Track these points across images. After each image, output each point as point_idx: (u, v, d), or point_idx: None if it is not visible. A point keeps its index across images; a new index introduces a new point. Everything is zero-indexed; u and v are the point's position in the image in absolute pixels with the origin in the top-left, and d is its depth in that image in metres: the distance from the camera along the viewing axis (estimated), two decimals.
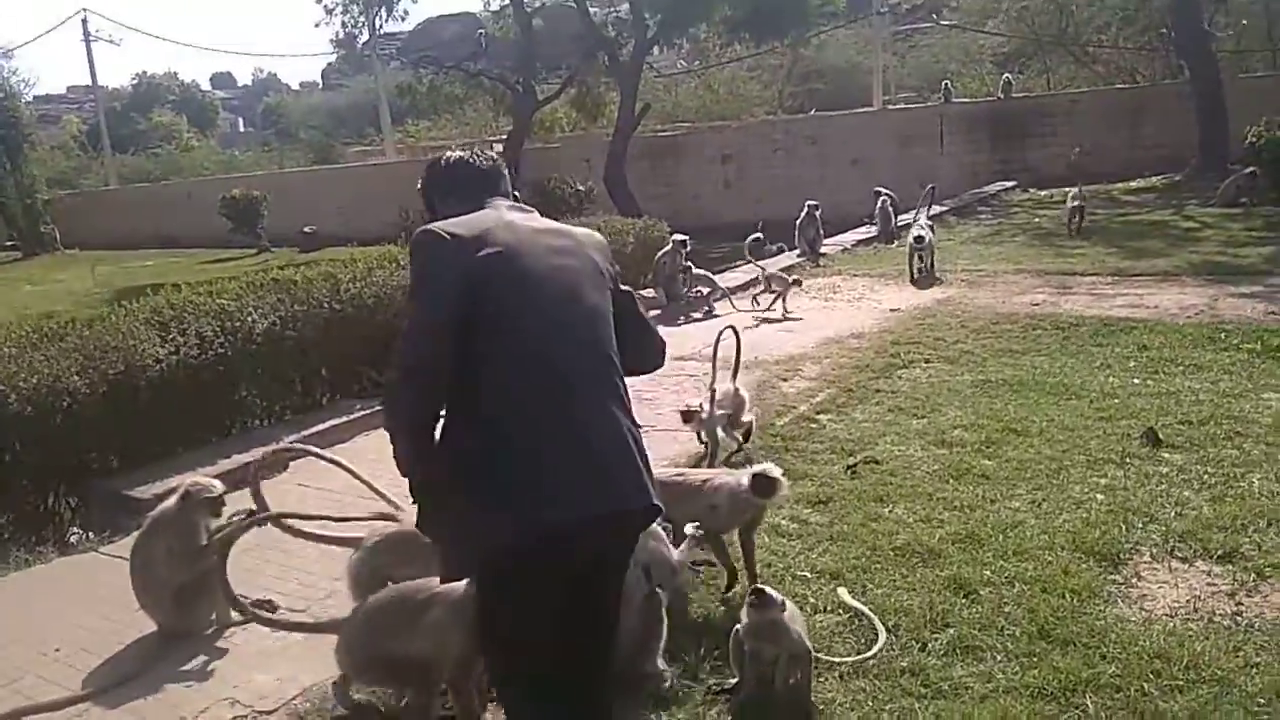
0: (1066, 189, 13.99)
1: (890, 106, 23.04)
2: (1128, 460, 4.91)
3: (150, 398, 5.46)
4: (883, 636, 3.44)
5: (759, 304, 9.23)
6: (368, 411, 6.43)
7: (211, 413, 5.92)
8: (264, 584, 4.22)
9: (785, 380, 6.78)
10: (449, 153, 2.56)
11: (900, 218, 12.98)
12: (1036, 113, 19.52)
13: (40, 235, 29.16)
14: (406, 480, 2.30)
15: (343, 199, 25.96)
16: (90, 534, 5.02)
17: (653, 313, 8.91)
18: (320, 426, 6.16)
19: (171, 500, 3.91)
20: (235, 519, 3.85)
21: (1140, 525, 4.20)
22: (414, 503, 2.30)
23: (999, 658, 3.31)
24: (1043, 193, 16.68)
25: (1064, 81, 25.41)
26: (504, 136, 25.38)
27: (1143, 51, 24.25)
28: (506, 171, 2.54)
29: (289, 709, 3.27)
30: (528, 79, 23.03)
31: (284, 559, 4.49)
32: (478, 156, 2.52)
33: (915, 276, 9.83)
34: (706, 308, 9.26)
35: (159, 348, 5.55)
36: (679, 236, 9.46)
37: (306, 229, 24.19)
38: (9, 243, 29.82)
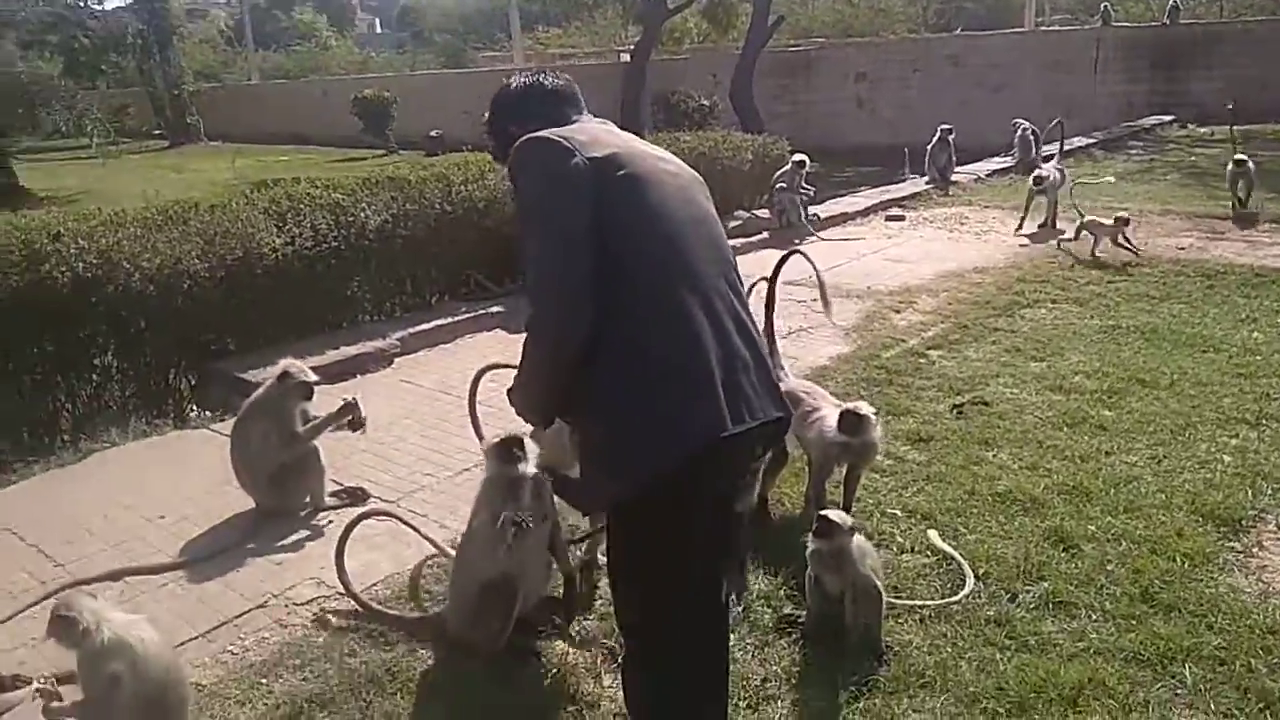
0: (1229, 127, 12.89)
1: (1042, 28, 21.52)
2: (1264, 421, 4.54)
3: (266, 285, 5.62)
4: (970, 583, 3.30)
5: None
6: (473, 314, 6.51)
7: (323, 305, 6.07)
8: (357, 473, 4.34)
9: (897, 312, 6.51)
10: (515, 78, 2.39)
11: (1044, 149, 12.22)
12: (1205, 41, 17.91)
13: (186, 125, 30.38)
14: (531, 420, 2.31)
15: (469, 104, 26.02)
16: (207, 412, 5.25)
17: (762, 235, 8.70)
18: (426, 325, 6.26)
19: (268, 382, 4.03)
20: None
21: (1270, 491, 3.88)
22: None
23: (1094, 617, 3.13)
24: (1203, 129, 15.45)
25: (1239, 9, 23.26)
26: (631, 46, 24.94)
27: None
28: (580, 92, 2.38)
29: (369, 593, 3.36)
30: None
31: (380, 449, 4.60)
32: (549, 77, 2.36)
33: (1020, 226, 8.69)
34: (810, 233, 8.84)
35: (275, 237, 5.69)
36: (799, 156, 9.10)
37: (433, 133, 24.42)
38: (156, 131, 31.19)
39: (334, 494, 4.13)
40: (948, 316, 6.34)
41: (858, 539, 3.03)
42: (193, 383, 5.55)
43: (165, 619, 3.15)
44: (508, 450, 3.10)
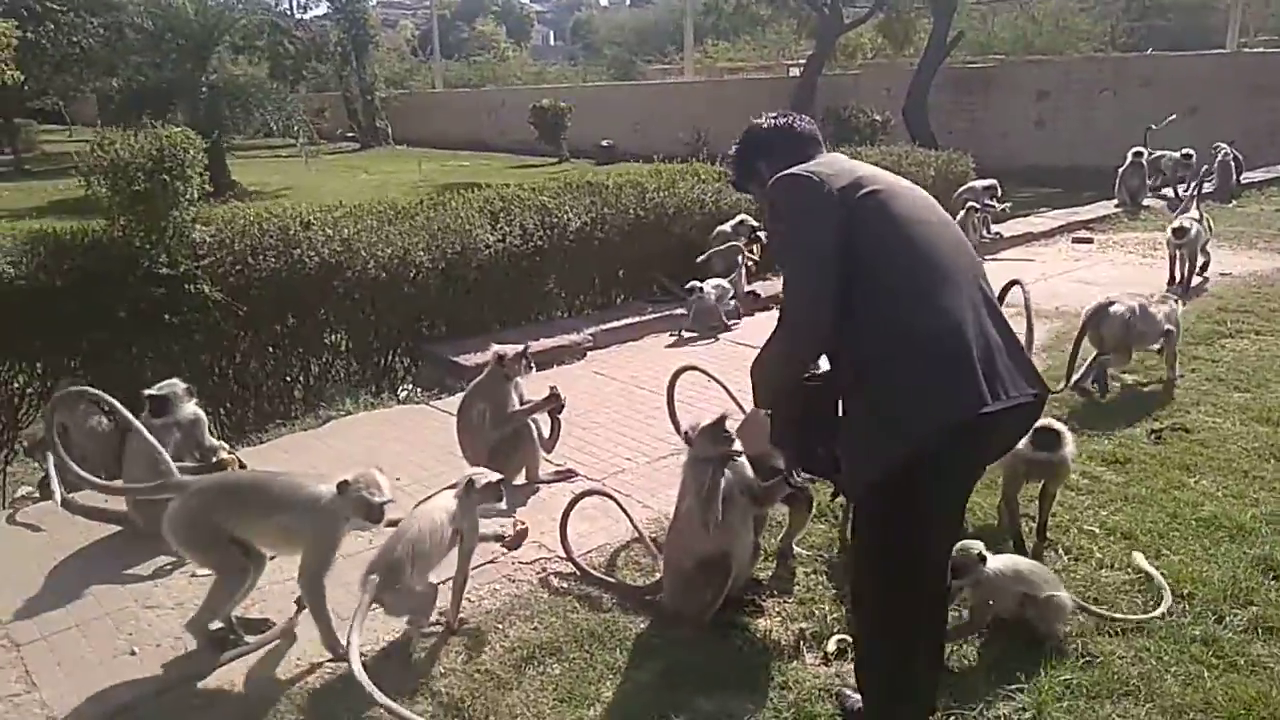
0: None
1: (1245, 49, 20.28)
2: None
3: (478, 278, 6.09)
4: (1168, 599, 3.31)
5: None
6: (658, 315, 6.82)
7: (525, 299, 6.51)
8: (565, 454, 4.67)
9: None
10: (767, 118, 2.65)
11: (1245, 175, 11.65)
12: None
13: (376, 129, 32.40)
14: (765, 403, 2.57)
15: (639, 115, 26.72)
16: (420, 389, 5.73)
17: None
18: (616, 324, 6.60)
19: (489, 367, 4.42)
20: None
21: None
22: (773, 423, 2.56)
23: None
24: None
25: None
26: (803, 61, 25.03)
27: None
28: (820, 133, 2.64)
29: (585, 559, 3.67)
30: (835, 1, 22.45)
31: (582, 434, 4.93)
32: (796, 121, 2.63)
33: (1173, 279, 7.42)
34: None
35: (489, 234, 6.15)
36: (989, 181, 9.07)
37: (604, 142, 25.22)
38: (349, 134, 33.33)
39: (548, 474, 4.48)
40: None
41: (1003, 565, 3.16)
42: (411, 363, 6.07)
43: None
44: (716, 432, 3.33)
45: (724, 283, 6.74)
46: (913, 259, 2.29)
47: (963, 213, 8.75)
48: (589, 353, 6.31)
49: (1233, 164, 11.54)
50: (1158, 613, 3.27)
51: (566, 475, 4.46)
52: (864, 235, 2.28)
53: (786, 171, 2.40)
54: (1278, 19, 27.81)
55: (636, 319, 6.71)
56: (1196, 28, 29.73)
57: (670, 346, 6.46)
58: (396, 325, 5.91)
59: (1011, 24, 30.22)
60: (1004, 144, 20.34)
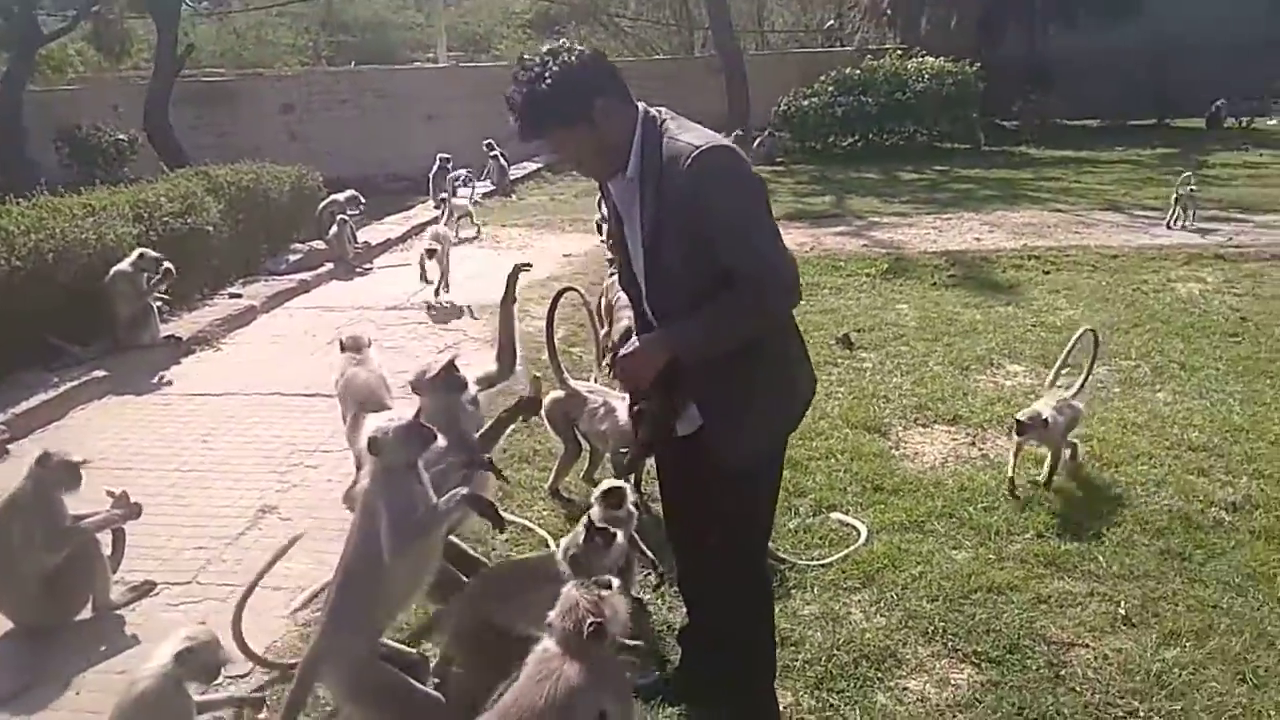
0: None
1: (461, 64, 23.37)
2: (839, 360, 6.11)
3: None
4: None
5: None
6: (77, 382, 5.58)
7: None
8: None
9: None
10: (566, 51, 2.29)
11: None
12: None
13: None
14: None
15: None
16: None
17: (328, 266, 8.62)
18: (29, 404, 5.21)
19: (26, 470, 3.33)
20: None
21: (880, 405, 5.35)
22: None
23: (857, 509, 4.17)
24: None
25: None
26: None
27: (658, 25, 27.62)
28: None
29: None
30: (26, 6, 19.47)
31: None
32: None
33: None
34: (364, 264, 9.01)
35: None
36: (350, 192, 9.18)
37: None
38: None
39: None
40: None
41: None
42: None
43: None
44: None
45: None
46: None
47: (335, 227, 8.77)
48: (8, 445, 4.90)
49: (505, 162, 13.38)
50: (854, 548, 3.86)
51: (148, 589, 3.56)
52: None
53: (719, 144, 2.30)
54: (463, 39, 32.36)
55: (52, 393, 5.37)
56: (383, 44, 33.07)
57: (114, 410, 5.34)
58: None
59: (214, 37, 29.75)
60: (258, 157, 20.09)
